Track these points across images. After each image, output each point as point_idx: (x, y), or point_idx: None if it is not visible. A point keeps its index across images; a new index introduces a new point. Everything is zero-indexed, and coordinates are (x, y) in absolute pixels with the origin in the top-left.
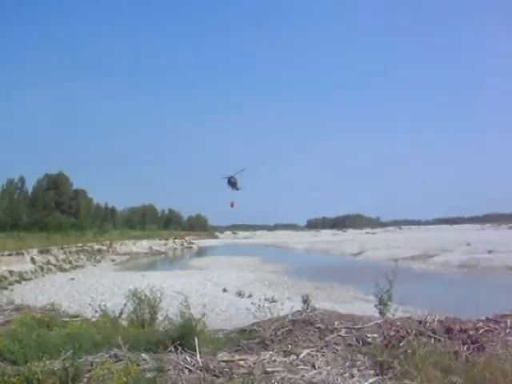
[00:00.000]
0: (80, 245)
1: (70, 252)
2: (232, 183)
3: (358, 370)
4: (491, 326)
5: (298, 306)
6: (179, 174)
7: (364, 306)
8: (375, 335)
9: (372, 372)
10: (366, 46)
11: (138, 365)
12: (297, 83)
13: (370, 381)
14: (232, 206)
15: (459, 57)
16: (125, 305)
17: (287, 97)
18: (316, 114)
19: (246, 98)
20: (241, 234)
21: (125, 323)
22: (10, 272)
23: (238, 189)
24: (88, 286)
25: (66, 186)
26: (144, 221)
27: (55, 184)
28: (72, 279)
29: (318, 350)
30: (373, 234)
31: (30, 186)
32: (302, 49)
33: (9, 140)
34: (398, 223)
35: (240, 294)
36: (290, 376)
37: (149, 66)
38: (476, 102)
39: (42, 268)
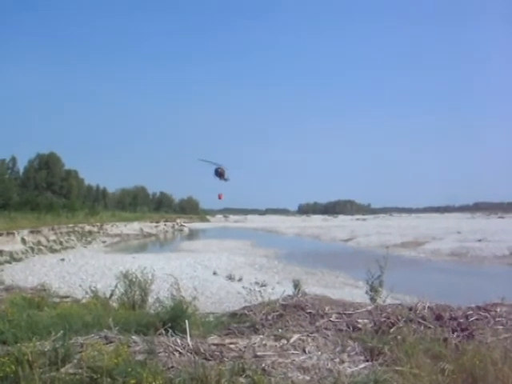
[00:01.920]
0: (71, 226)
1: (61, 233)
2: (219, 174)
3: (349, 356)
4: (481, 314)
5: (289, 290)
6: (171, 157)
7: (353, 292)
8: (366, 321)
9: (362, 358)
10: (357, 28)
11: (129, 346)
12: (286, 66)
13: (361, 366)
14: (220, 198)
15: (455, 39)
16: (115, 286)
17: (283, 81)
18: (307, 99)
19: (237, 82)
20: (232, 217)
21: (115, 305)
22: (0, 252)
23: (226, 179)
24: (78, 267)
25: (57, 167)
26: (135, 203)
27: (47, 164)
28: (62, 260)
29: (308, 335)
30: (363, 220)
31: (21, 166)
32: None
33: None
34: (388, 210)
35: (230, 278)
36: (280, 360)
37: (138, 47)
38: (467, 90)
39: (32, 248)
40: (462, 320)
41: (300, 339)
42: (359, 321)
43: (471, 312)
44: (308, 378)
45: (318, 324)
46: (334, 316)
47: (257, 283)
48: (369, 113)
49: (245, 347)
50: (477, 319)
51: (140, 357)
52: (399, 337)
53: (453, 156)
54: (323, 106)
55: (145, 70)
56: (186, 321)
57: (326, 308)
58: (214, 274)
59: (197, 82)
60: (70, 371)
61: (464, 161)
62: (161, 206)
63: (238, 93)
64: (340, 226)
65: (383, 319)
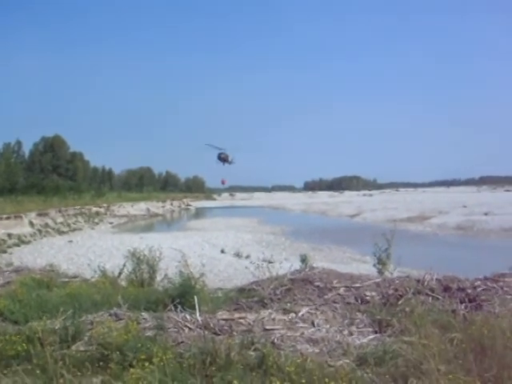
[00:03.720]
0: (78, 207)
1: (68, 215)
2: (223, 159)
3: (357, 328)
4: (489, 284)
5: (296, 266)
6: (176, 136)
7: (361, 267)
8: (374, 294)
9: (371, 329)
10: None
11: (139, 323)
12: (298, 47)
13: (369, 338)
14: (223, 183)
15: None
16: (124, 265)
17: (288, 60)
18: (315, 78)
19: (245, 62)
20: (238, 195)
21: (124, 283)
22: (9, 235)
23: (230, 163)
24: (86, 248)
25: (62, 149)
26: (141, 183)
27: (52, 147)
28: (70, 242)
29: (316, 308)
30: (370, 195)
31: (26, 150)
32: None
33: (5, 104)
34: (394, 185)
35: (238, 255)
36: (289, 333)
37: (149, 27)
38: (471, 61)
39: (40, 231)
40: (469, 291)
41: (308, 312)
42: (367, 293)
43: (479, 283)
44: (317, 350)
45: (326, 297)
46: (342, 289)
47: (264, 260)
48: (374, 88)
49: (254, 321)
50: (484, 290)
51: (150, 333)
52: (407, 308)
53: (458, 130)
54: (329, 84)
55: (151, 50)
56: (195, 297)
57: (334, 281)
58: (222, 251)
59: (205, 68)
60: (81, 348)
61: (469, 135)
62: (167, 185)
63: (244, 76)
64: (346, 202)
65: (391, 291)
